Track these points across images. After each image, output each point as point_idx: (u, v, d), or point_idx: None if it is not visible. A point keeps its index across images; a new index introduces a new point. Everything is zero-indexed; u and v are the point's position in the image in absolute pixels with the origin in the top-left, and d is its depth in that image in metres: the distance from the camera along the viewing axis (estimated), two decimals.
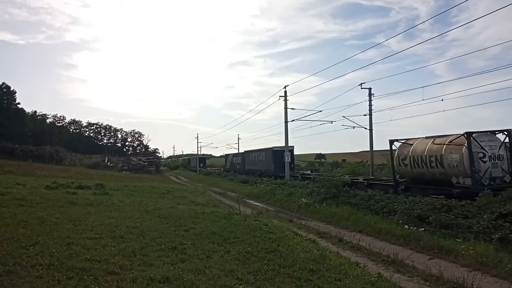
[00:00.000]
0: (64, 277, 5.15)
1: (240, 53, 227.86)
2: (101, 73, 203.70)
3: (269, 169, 37.66)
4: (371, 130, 30.42)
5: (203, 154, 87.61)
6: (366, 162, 49.02)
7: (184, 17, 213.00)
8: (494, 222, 10.14)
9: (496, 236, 9.44)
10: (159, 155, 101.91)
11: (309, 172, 38.43)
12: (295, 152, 40.88)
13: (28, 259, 5.77)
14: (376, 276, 6.74)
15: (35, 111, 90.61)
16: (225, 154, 60.70)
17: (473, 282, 6.73)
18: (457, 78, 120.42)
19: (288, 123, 31.83)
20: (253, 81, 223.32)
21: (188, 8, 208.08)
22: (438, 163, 15.81)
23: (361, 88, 29.68)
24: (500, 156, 14.82)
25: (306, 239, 9.73)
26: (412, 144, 17.75)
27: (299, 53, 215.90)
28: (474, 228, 10.34)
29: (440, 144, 15.97)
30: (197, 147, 76.53)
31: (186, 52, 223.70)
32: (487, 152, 14.61)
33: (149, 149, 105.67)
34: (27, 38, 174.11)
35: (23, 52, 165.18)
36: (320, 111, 32.23)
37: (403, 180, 18.53)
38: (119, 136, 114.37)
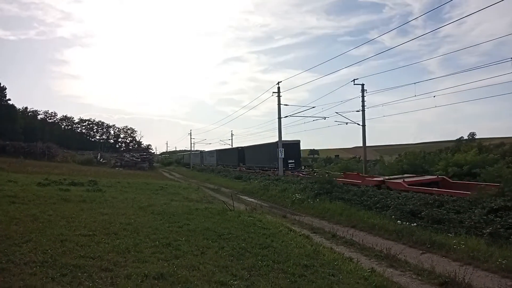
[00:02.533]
0: (58, 274, 5.13)
1: (234, 49, 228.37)
2: (93, 69, 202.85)
3: None
4: (364, 126, 30.49)
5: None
6: (359, 158, 49.32)
7: (178, 12, 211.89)
8: (485, 217, 10.24)
9: (487, 230, 9.53)
10: (152, 152, 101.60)
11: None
12: None
13: (21, 257, 5.74)
14: (369, 271, 6.79)
15: (26, 108, 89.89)
16: None
17: (464, 276, 6.81)
18: (449, 74, 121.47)
19: (282, 119, 31.85)
20: (246, 77, 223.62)
21: (182, 4, 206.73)
22: None
23: (354, 84, 29.68)
24: None
25: (300, 235, 9.77)
26: None
27: (293, 49, 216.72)
28: (466, 223, 10.44)
29: None
30: (190, 143, 76.20)
31: (180, 48, 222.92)
32: None
33: (142, 146, 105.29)
34: (18, 33, 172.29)
35: (14, 48, 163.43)
36: (314, 107, 32.13)
37: None
38: (112, 132, 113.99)
